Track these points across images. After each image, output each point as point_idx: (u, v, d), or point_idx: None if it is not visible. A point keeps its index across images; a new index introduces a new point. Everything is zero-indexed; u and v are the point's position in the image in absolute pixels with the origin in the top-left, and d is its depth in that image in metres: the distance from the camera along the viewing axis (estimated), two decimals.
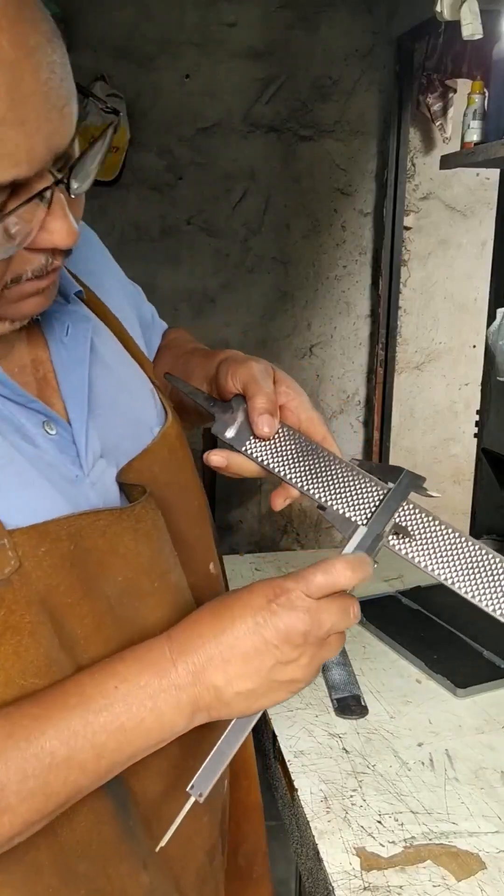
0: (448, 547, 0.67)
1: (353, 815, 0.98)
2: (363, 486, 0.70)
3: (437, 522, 0.68)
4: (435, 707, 1.21)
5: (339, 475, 0.71)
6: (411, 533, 0.67)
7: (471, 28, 2.08)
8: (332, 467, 0.71)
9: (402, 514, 0.68)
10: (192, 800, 0.61)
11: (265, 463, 0.72)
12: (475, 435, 2.21)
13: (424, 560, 0.67)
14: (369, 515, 0.69)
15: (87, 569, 0.61)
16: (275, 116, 2.93)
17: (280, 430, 0.72)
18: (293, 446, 0.72)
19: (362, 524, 0.69)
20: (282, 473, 0.72)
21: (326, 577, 0.61)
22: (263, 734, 1.19)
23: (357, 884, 0.87)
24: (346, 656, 1.34)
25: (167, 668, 0.58)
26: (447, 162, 2.83)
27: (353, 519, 0.69)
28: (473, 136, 2.63)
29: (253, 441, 0.72)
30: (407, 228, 3.08)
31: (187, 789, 0.61)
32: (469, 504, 2.70)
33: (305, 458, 0.72)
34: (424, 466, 3.37)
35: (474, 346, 3.22)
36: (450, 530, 0.68)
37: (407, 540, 0.68)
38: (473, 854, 0.93)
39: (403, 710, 1.21)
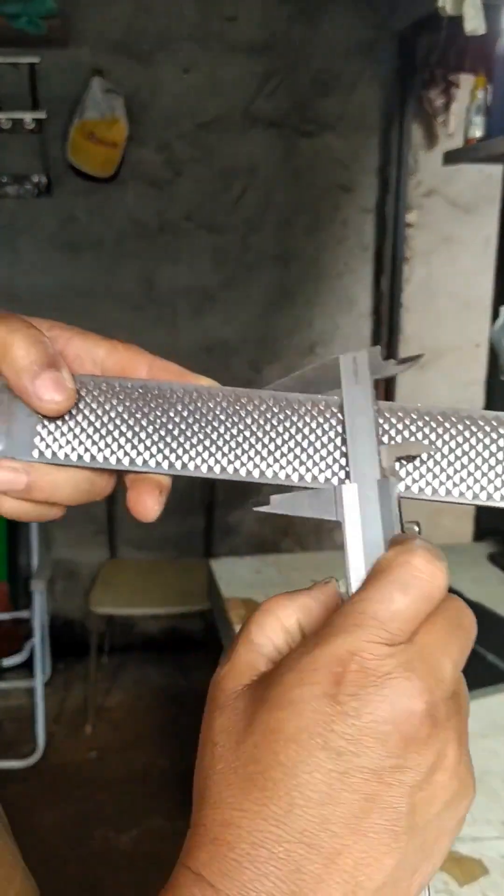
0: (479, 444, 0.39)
1: None
2: (290, 415, 0.39)
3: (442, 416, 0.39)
4: None
5: (241, 415, 0.40)
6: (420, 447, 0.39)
7: (473, 23, 2.06)
8: (219, 408, 0.40)
9: (388, 425, 0.39)
10: None
11: (92, 456, 0.39)
12: None
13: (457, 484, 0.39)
14: (340, 461, 0.39)
15: None
16: (275, 111, 2.90)
17: (86, 388, 0.40)
18: (127, 402, 0.40)
19: (342, 481, 0.39)
20: (135, 457, 0.39)
21: (407, 591, 0.32)
22: None
23: None
24: None
25: None
26: (451, 158, 2.81)
27: (315, 480, 0.39)
28: (476, 131, 2.62)
29: (46, 432, 0.40)
30: (409, 225, 3.05)
31: None
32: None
33: (162, 411, 0.40)
34: None
35: (478, 345, 3.19)
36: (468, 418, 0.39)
37: (421, 462, 0.39)
38: (476, 859, 0.91)
39: None
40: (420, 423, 0.39)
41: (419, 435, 0.39)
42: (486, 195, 3.04)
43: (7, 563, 2.92)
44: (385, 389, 3.15)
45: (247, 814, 0.30)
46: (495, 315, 2.04)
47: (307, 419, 0.40)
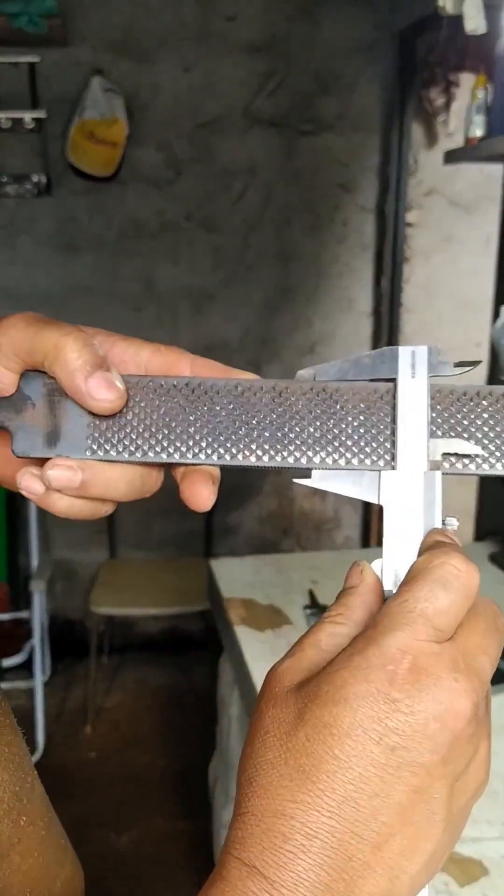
0: None
1: None
2: (335, 403, 0.40)
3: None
4: None
5: (285, 405, 0.41)
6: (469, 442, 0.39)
7: (474, 22, 2.06)
8: (264, 399, 0.41)
9: (440, 420, 0.40)
10: None
11: (144, 452, 0.41)
12: None
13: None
14: (389, 449, 0.39)
15: None
16: (275, 111, 2.90)
17: (135, 387, 0.41)
18: (174, 398, 0.41)
19: (384, 466, 0.39)
20: (185, 451, 0.41)
21: (449, 589, 0.34)
22: None
23: None
24: None
25: None
26: (451, 157, 2.81)
27: (363, 464, 0.39)
28: (477, 130, 2.62)
29: (98, 431, 0.41)
30: (409, 225, 3.05)
31: None
32: (473, 505, 2.68)
33: (208, 406, 0.41)
34: None
35: (478, 345, 3.19)
36: None
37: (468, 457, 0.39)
38: (476, 860, 0.91)
39: None
40: (474, 406, 0.40)
41: (476, 420, 0.39)
42: (486, 194, 3.04)
43: (7, 564, 2.92)
44: None
45: (300, 805, 0.31)
46: (495, 315, 2.04)
47: (354, 407, 0.40)
